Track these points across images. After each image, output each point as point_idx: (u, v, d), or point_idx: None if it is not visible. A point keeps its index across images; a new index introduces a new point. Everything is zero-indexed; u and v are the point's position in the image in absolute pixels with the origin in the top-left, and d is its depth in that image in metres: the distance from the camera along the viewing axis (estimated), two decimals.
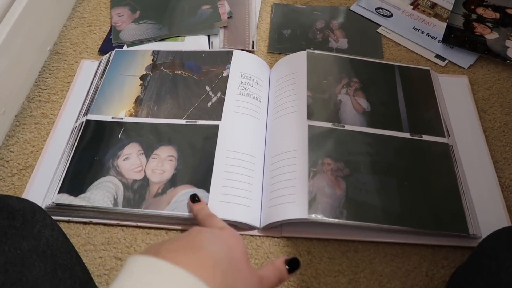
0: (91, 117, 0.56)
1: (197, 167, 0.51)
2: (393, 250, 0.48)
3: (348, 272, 0.47)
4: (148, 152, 0.53)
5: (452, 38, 0.67)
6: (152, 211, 0.48)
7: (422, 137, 0.54)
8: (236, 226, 0.49)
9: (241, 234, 0.49)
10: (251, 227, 0.49)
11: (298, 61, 0.61)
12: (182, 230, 0.50)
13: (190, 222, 0.49)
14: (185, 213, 0.48)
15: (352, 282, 0.46)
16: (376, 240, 0.48)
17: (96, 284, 0.45)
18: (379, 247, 0.48)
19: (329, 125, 0.54)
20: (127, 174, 0.51)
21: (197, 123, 0.55)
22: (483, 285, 0.35)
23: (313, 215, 0.46)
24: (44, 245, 0.38)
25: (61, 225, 0.50)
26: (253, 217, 0.49)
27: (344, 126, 0.54)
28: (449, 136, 0.55)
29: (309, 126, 0.53)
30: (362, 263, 0.47)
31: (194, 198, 0.48)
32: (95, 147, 0.53)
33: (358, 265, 0.47)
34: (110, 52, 0.64)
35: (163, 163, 0.52)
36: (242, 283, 0.31)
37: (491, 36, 0.67)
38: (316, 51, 0.62)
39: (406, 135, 0.54)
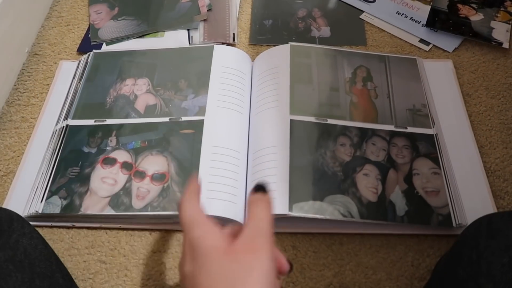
0: (72, 122, 0.55)
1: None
2: (378, 241, 0.48)
3: (333, 265, 0.47)
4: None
5: (436, 21, 0.65)
6: (134, 213, 0.48)
7: (407, 129, 0.53)
8: (223, 223, 0.49)
9: None
10: (237, 223, 0.49)
11: (281, 54, 0.59)
12: (166, 230, 0.49)
13: (172, 221, 0.49)
14: (167, 212, 0.47)
15: (337, 275, 0.46)
16: (361, 232, 0.48)
17: None
18: (364, 238, 0.48)
19: (312, 119, 0.53)
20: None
21: (181, 120, 0.54)
22: (464, 274, 0.35)
23: (293, 211, 0.46)
24: (22, 255, 0.38)
25: (44, 230, 0.49)
26: (238, 213, 0.49)
27: (327, 120, 0.53)
28: (434, 125, 0.54)
29: (291, 120, 0.53)
30: (348, 255, 0.47)
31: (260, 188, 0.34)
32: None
33: (344, 257, 0.47)
34: (88, 53, 0.63)
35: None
36: None
37: (476, 17, 0.66)
38: (299, 44, 0.60)
39: (391, 127, 0.53)
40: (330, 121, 0.53)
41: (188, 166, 0.50)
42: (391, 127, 0.53)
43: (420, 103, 0.56)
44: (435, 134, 0.53)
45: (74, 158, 0.52)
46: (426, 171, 0.50)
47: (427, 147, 0.52)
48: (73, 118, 0.56)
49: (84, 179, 0.50)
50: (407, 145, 0.52)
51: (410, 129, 0.53)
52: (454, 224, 0.46)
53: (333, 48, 0.61)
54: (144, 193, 0.49)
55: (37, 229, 0.46)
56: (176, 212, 0.47)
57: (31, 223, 0.46)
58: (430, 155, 0.51)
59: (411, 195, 0.48)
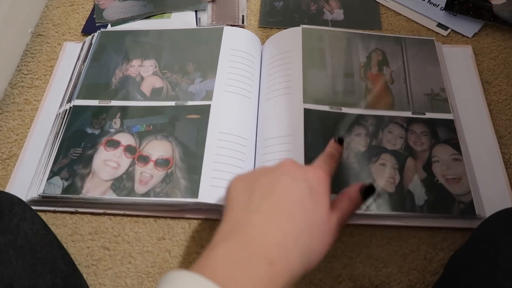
0: (76, 102, 0.54)
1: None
2: (390, 233, 0.46)
3: (343, 257, 0.45)
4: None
5: (455, 4, 0.62)
6: (136, 198, 0.46)
7: (425, 114, 0.51)
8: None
9: None
10: None
11: (292, 38, 0.57)
12: (172, 218, 0.48)
13: (177, 208, 0.47)
14: (169, 198, 0.46)
15: (346, 267, 0.45)
16: (372, 223, 0.46)
17: (84, 275, 0.44)
18: (375, 230, 0.46)
19: (326, 108, 0.51)
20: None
21: (187, 104, 0.53)
22: (481, 271, 0.33)
23: None
24: (22, 240, 0.37)
25: (47, 215, 0.48)
26: None
27: (341, 109, 0.51)
28: (453, 111, 0.51)
29: (305, 110, 0.51)
30: (358, 247, 0.46)
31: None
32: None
33: (353, 249, 0.46)
34: (92, 34, 0.61)
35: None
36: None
37: (498, 1, 0.62)
38: (311, 27, 0.58)
39: (408, 114, 0.51)
40: (345, 109, 0.51)
41: (193, 153, 0.49)
42: (409, 114, 0.51)
43: (438, 87, 0.53)
44: (453, 120, 0.50)
45: (77, 138, 0.51)
46: (447, 158, 0.48)
47: (447, 133, 0.49)
48: (77, 98, 0.54)
49: (87, 161, 0.49)
50: (425, 131, 0.49)
51: (429, 115, 0.51)
52: (477, 212, 0.44)
53: (347, 30, 0.59)
54: (147, 178, 0.47)
55: (40, 213, 0.45)
56: (178, 199, 0.46)
57: (34, 207, 0.45)
58: (450, 141, 0.49)
59: (431, 184, 0.46)
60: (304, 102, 0.51)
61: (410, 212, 0.44)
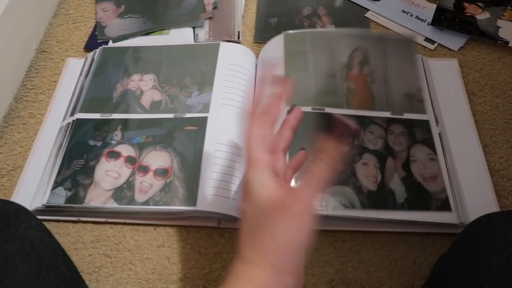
0: (79, 115, 0.56)
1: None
2: (381, 238, 0.48)
3: (335, 262, 0.47)
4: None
5: (442, 20, 0.65)
6: (136, 206, 0.48)
7: (403, 115, 0.53)
8: (225, 219, 0.49)
9: (230, 228, 0.49)
10: (239, 220, 0.49)
11: (276, 44, 0.60)
12: (171, 226, 0.50)
13: (176, 216, 0.49)
14: (168, 207, 0.48)
15: (339, 272, 0.46)
16: (364, 229, 0.48)
17: (86, 282, 0.46)
18: (367, 236, 0.48)
19: (308, 109, 0.53)
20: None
21: (185, 116, 0.55)
22: (462, 273, 0.35)
23: None
24: (29, 246, 0.39)
25: (50, 224, 0.50)
26: None
27: (324, 109, 0.53)
28: (438, 124, 0.54)
29: (288, 111, 0.53)
30: (350, 252, 0.47)
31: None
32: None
33: (346, 254, 0.47)
34: (94, 51, 0.64)
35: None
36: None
37: (482, 16, 0.65)
38: (293, 31, 0.60)
39: (388, 114, 0.53)
40: (328, 109, 0.53)
41: (190, 163, 0.51)
42: (388, 114, 0.53)
43: (415, 88, 0.55)
44: (439, 133, 0.53)
45: (80, 150, 0.53)
46: (423, 158, 0.50)
47: (423, 133, 0.52)
48: (80, 111, 0.57)
49: (89, 172, 0.51)
50: (403, 132, 0.52)
51: (406, 115, 0.53)
52: (452, 209, 0.46)
53: (328, 30, 0.61)
54: (147, 187, 0.49)
55: (44, 223, 0.47)
56: (177, 207, 0.48)
57: (38, 217, 0.46)
58: (426, 141, 0.51)
59: (409, 182, 0.48)
60: (287, 104, 0.53)
61: (392, 209, 0.47)
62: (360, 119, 0.53)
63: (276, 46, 0.59)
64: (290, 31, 0.60)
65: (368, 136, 0.51)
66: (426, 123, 0.52)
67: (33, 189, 0.52)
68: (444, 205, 0.47)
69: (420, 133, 0.52)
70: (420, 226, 0.48)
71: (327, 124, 0.32)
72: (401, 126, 0.52)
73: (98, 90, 0.59)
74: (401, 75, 0.56)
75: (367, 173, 0.49)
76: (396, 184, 0.48)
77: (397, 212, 0.47)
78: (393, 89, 0.55)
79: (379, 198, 0.47)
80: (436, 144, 0.51)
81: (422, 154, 0.50)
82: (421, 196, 0.47)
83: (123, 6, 0.71)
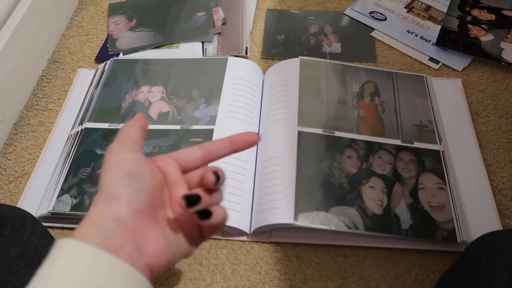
0: (87, 125, 0.57)
1: None
2: (382, 255, 0.48)
3: (336, 277, 0.47)
4: None
5: (446, 40, 0.66)
6: None
7: (413, 144, 0.54)
8: (226, 231, 0.49)
9: (231, 240, 0.50)
10: (241, 233, 0.49)
11: (291, 67, 0.61)
12: None
13: None
14: None
15: (340, 287, 0.46)
16: (366, 245, 0.48)
17: None
18: (368, 252, 0.48)
19: (319, 131, 0.54)
20: None
21: (192, 128, 0.56)
22: None
23: (298, 220, 0.46)
24: (32, 252, 0.39)
25: (55, 231, 0.51)
26: (243, 222, 0.49)
27: (334, 133, 0.54)
28: (441, 141, 0.54)
29: (299, 132, 0.54)
30: (351, 268, 0.47)
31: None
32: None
33: (347, 270, 0.47)
34: (105, 62, 0.66)
35: None
36: None
37: (486, 38, 0.66)
38: (309, 58, 0.62)
39: (397, 142, 0.54)
40: (338, 133, 0.54)
41: None
42: (398, 142, 0.54)
43: (426, 119, 0.56)
44: (442, 151, 0.53)
45: (87, 159, 0.54)
46: (431, 186, 0.50)
47: (433, 163, 0.52)
48: (89, 121, 0.58)
49: (95, 180, 0.52)
50: (413, 159, 0.52)
51: (417, 144, 0.54)
52: (458, 240, 0.46)
53: (342, 63, 0.62)
54: None
55: (48, 230, 0.47)
56: None
57: (43, 223, 0.47)
58: (436, 170, 0.51)
59: (416, 209, 0.48)
60: (299, 125, 0.54)
61: (396, 234, 0.46)
62: (369, 144, 0.53)
63: (291, 68, 0.61)
64: (306, 58, 0.61)
65: (377, 161, 0.52)
66: (436, 153, 0.53)
67: (39, 196, 0.53)
68: (450, 236, 0.46)
69: (430, 162, 0.52)
70: (422, 244, 0.48)
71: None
72: (411, 153, 0.53)
73: (108, 101, 0.60)
74: (412, 107, 0.57)
75: (373, 196, 0.49)
76: (402, 210, 0.48)
77: (401, 238, 0.47)
78: (403, 119, 0.56)
79: (384, 222, 0.47)
80: (448, 173, 0.51)
81: (430, 182, 0.50)
82: (427, 224, 0.47)
83: (134, 20, 0.73)
